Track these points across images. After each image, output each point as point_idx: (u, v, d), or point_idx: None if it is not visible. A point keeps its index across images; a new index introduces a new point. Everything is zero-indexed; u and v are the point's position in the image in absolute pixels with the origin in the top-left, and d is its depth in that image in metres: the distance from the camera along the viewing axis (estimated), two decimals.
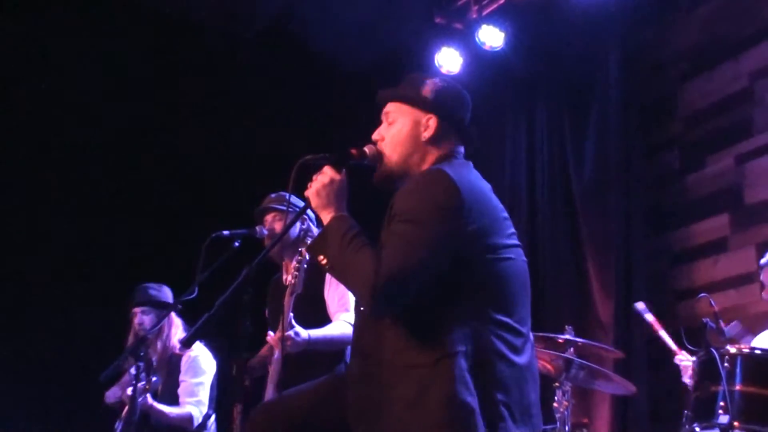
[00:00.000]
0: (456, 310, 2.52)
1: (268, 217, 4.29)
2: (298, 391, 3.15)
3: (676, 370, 4.38)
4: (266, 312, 4.33)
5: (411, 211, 2.54)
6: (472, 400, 2.44)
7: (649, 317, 4.52)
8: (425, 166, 2.76)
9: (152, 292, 5.05)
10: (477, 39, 6.16)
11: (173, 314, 4.99)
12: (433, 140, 2.77)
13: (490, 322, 2.54)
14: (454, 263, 2.53)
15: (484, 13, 6.20)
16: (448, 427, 2.42)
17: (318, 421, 2.89)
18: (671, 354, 4.39)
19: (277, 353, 3.74)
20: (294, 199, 3.83)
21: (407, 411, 2.47)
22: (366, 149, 2.82)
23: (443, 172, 2.59)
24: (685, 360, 4.28)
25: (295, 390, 3.17)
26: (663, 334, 4.45)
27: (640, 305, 4.61)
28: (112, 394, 5.01)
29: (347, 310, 3.90)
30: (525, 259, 2.73)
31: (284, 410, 2.98)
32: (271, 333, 3.75)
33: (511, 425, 2.49)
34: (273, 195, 4.36)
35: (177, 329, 4.98)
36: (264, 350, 4.22)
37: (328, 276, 3.99)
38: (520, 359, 2.58)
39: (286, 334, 3.59)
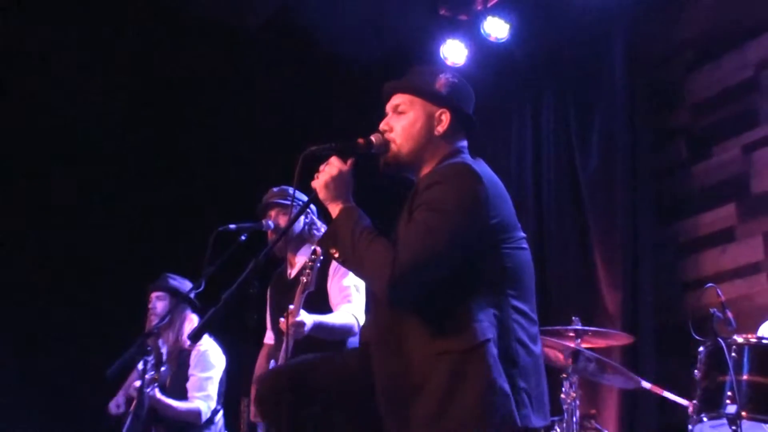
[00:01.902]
0: (480, 299, 2.55)
1: (272, 212, 4.29)
2: (308, 359, 3.10)
3: (685, 360, 4.34)
4: (268, 304, 4.35)
5: (436, 201, 2.57)
6: (507, 386, 2.48)
7: (646, 384, 4.32)
8: (436, 160, 2.78)
9: (171, 280, 5.09)
10: (482, 30, 6.14)
11: (188, 309, 5.00)
12: (446, 134, 2.79)
13: (511, 310, 2.59)
14: (477, 253, 2.56)
15: (489, 4, 6.19)
16: (488, 412, 2.45)
17: (325, 387, 2.85)
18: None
19: (286, 343, 3.74)
20: (297, 193, 3.83)
21: (444, 398, 2.49)
22: (372, 138, 2.82)
23: (470, 166, 2.63)
24: None
25: (303, 358, 3.13)
26: (667, 394, 4.34)
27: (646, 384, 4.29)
28: (114, 406, 5.03)
29: (349, 302, 3.91)
30: (529, 249, 2.76)
31: (294, 376, 2.92)
32: (282, 319, 3.74)
33: (531, 412, 2.53)
34: (275, 189, 4.36)
35: (190, 324, 4.98)
36: (260, 362, 4.23)
37: (331, 268, 4.00)
38: (536, 348, 2.64)
39: (299, 319, 3.60)
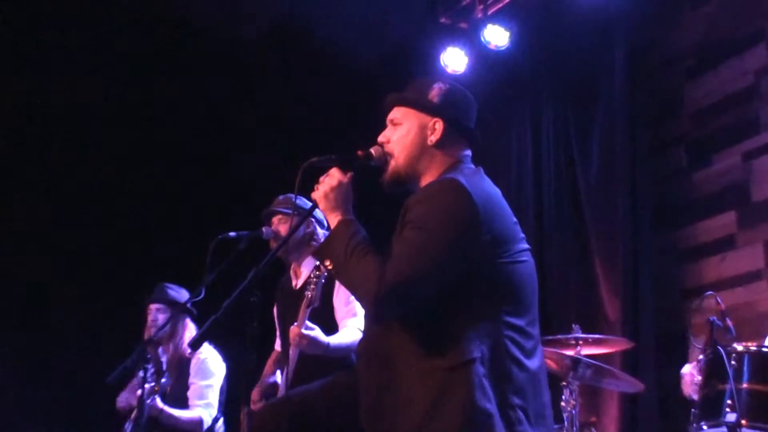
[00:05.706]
0: (470, 316, 2.53)
1: (275, 219, 4.30)
2: (305, 391, 3.13)
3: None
4: (274, 312, 4.34)
5: (423, 219, 2.54)
6: (490, 406, 2.46)
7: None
8: (435, 171, 2.75)
9: (170, 291, 5.08)
10: (482, 38, 6.16)
11: (188, 318, 5.01)
12: (440, 144, 2.76)
13: (504, 326, 2.55)
14: (468, 271, 2.54)
15: (490, 12, 6.21)
16: None
17: (325, 420, 2.88)
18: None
19: (292, 353, 3.73)
20: (300, 201, 3.83)
21: (425, 418, 2.47)
22: (372, 151, 2.81)
23: (458, 182, 2.59)
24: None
25: (301, 390, 3.15)
26: None
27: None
28: (123, 399, 5.02)
29: (355, 315, 3.90)
30: (533, 260, 2.73)
31: (290, 410, 2.96)
32: (296, 324, 3.72)
33: (528, 428, 2.51)
34: (281, 197, 4.37)
35: (190, 333, 4.98)
36: (267, 368, 4.23)
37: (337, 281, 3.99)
38: (533, 362, 2.60)
39: (307, 333, 3.59)
